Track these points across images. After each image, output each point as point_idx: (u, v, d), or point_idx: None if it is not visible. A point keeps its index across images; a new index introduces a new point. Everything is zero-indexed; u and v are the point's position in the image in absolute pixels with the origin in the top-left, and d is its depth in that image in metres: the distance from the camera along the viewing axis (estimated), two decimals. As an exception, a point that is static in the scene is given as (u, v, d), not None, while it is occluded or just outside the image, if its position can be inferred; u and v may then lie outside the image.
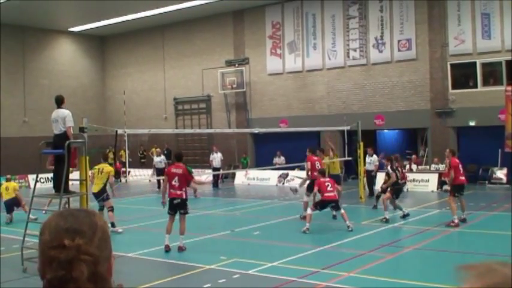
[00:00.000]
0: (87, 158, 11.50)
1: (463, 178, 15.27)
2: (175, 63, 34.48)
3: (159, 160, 26.58)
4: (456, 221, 14.50)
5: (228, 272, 10.15)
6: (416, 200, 20.52)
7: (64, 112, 11.35)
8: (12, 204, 18.06)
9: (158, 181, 27.01)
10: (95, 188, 15.03)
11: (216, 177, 27.03)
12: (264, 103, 30.91)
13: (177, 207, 12.20)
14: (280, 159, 27.97)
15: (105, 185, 15.16)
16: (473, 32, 24.59)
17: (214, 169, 26.43)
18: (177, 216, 12.26)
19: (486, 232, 13.98)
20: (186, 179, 12.24)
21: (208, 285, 9.32)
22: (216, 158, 26.70)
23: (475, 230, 14.32)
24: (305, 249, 12.00)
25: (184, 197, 12.19)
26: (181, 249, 12.08)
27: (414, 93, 26.23)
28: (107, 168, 15.35)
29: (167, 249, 12.06)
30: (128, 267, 11.22)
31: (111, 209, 15.03)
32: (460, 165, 15.20)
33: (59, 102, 11.59)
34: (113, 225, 14.61)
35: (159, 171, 26.26)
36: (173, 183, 12.13)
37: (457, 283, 1.32)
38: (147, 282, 9.57)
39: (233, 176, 29.60)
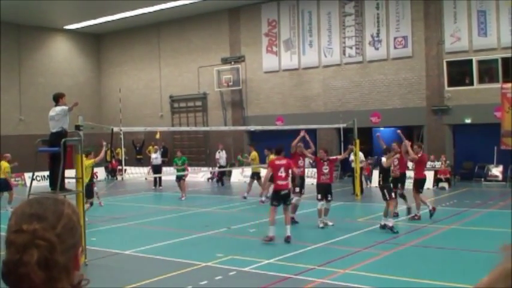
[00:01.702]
0: (83, 156, 11.51)
1: (425, 173, 16.18)
2: (171, 60, 34.44)
3: (155, 156, 26.64)
4: (419, 214, 15.26)
5: (224, 269, 10.17)
6: (412, 197, 20.52)
7: (63, 109, 11.37)
8: (4, 185, 18.17)
9: (155, 179, 27.02)
10: None
11: (221, 175, 27.14)
12: (260, 101, 30.90)
13: (284, 198, 12.73)
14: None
15: None
16: (469, 30, 24.62)
17: (220, 167, 26.43)
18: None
19: (482, 229, 14.01)
20: (290, 169, 12.94)
21: (205, 282, 9.33)
22: (222, 156, 26.67)
23: (471, 227, 14.36)
24: (301, 247, 12.02)
25: (289, 187, 12.87)
26: (289, 238, 12.44)
27: (410, 90, 26.26)
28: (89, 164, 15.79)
29: (271, 240, 12.31)
30: (124, 264, 11.23)
31: None
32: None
33: (56, 99, 11.61)
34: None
35: (155, 168, 26.28)
36: (279, 174, 12.72)
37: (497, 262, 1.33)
38: (143, 280, 9.57)
39: (229, 173, 29.61)
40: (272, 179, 13.00)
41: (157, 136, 27.76)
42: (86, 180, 15.42)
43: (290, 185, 13.06)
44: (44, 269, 1.51)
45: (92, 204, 16.38)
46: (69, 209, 1.64)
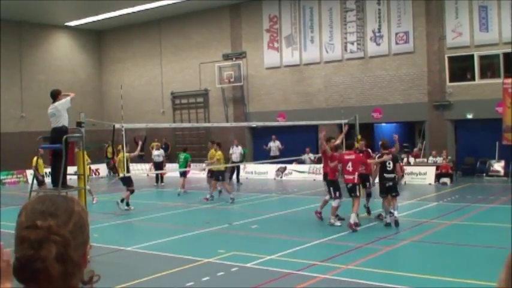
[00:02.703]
0: (85, 152, 11.51)
1: None
2: (173, 57, 34.42)
3: (157, 154, 26.53)
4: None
5: (226, 265, 10.18)
6: (413, 193, 20.57)
7: (59, 104, 11.42)
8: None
9: (156, 175, 26.99)
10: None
11: (235, 172, 26.66)
12: (261, 97, 30.89)
13: (350, 191, 13.54)
14: (275, 144, 27.74)
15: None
16: (471, 25, 24.58)
17: (232, 163, 25.91)
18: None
19: (484, 224, 14.02)
20: (361, 163, 13.72)
21: (207, 278, 9.35)
22: (236, 152, 26.21)
23: (472, 223, 14.36)
24: (303, 242, 12.03)
25: (355, 181, 13.50)
26: (356, 225, 13.25)
27: (412, 86, 26.24)
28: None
29: (353, 228, 13.16)
30: (127, 260, 11.25)
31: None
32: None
33: (54, 96, 11.63)
34: (122, 200, 17.90)
35: (157, 165, 26.20)
36: (347, 168, 13.54)
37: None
38: (145, 276, 9.59)
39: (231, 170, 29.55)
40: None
41: (154, 147, 27.79)
42: (123, 171, 17.46)
43: (356, 180, 13.55)
44: (61, 264, 1.54)
45: (132, 192, 18.06)
46: (78, 207, 1.68)
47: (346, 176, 13.55)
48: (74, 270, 1.58)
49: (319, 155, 26.02)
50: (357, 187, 13.57)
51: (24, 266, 1.53)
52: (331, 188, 14.07)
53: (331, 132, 27.19)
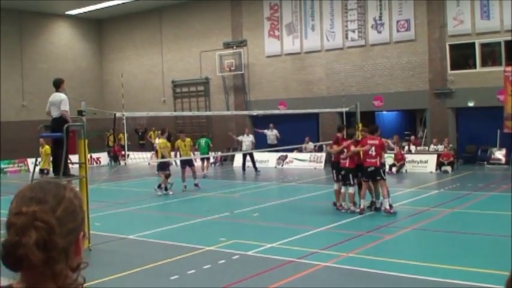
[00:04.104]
0: (86, 141, 11.52)
1: None
2: (173, 45, 34.33)
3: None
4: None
5: (227, 253, 10.22)
6: (414, 181, 20.60)
7: (61, 96, 11.39)
8: None
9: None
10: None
11: (244, 161, 26.29)
12: (262, 85, 30.84)
13: (372, 174, 13.73)
14: (272, 132, 27.50)
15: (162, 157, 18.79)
16: (472, 13, 24.46)
17: (244, 153, 25.59)
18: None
19: (485, 212, 14.04)
20: (382, 149, 14.03)
21: (209, 266, 9.39)
22: (246, 141, 25.62)
23: (473, 210, 14.39)
24: (304, 231, 12.06)
25: (378, 165, 13.72)
26: (386, 210, 13.56)
27: (413, 74, 26.18)
28: (162, 143, 19.09)
29: (362, 212, 13.66)
30: (128, 249, 11.29)
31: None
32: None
33: (57, 85, 11.62)
34: (159, 186, 18.65)
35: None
36: (370, 153, 13.82)
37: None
38: (147, 264, 9.62)
39: (232, 158, 29.61)
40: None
41: (154, 136, 27.90)
42: (160, 156, 18.87)
43: (378, 163, 13.77)
44: (43, 250, 1.53)
45: (167, 176, 18.67)
46: (70, 193, 1.66)
47: (368, 160, 13.78)
48: (59, 257, 1.56)
49: (320, 143, 26.33)
50: (380, 171, 13.72)
51: (9, 252, 1.53)
52: (350, 176, 14.02)
53: (332, 120, 27.36)
